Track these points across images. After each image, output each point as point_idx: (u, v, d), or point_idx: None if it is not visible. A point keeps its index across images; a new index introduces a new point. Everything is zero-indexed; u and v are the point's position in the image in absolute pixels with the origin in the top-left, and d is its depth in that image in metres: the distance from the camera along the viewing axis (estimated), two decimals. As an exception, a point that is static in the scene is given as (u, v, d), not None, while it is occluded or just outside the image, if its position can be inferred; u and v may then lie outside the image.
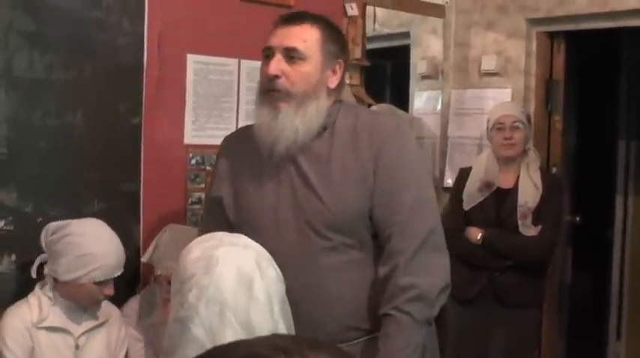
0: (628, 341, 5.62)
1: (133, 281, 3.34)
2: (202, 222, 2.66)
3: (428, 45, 4.82)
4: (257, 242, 2.21)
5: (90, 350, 2.89)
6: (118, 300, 3.12)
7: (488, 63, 4.56)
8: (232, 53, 3.74)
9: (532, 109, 4.46)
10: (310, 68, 2.34)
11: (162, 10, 3.43)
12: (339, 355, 0.69)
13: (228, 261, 1.57)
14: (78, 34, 3.19)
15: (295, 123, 2.32)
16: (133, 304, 3.19)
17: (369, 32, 4.36)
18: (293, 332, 1.62)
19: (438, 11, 4.59)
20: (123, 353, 3.02)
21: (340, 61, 2.40)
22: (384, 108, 4.62)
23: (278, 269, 1.66)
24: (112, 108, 3.31)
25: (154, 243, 3.23)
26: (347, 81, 4.13)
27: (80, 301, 2.83)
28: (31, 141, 3.09)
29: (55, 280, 2.83)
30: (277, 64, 2.32)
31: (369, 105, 4.33)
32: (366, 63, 4.25)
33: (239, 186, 2.48)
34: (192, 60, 3.60)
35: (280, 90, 2.33)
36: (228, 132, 3.65)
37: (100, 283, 2.79)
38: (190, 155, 3.62)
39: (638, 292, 5.58)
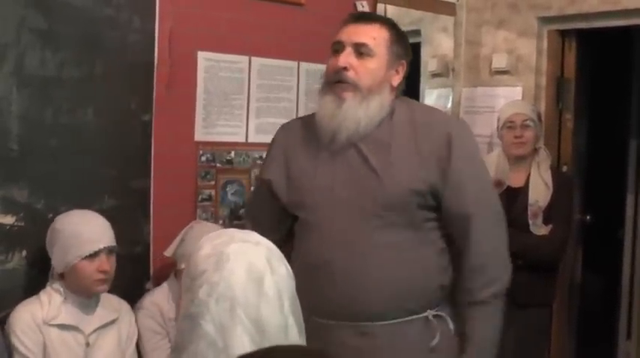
0: (638, 340, 5.62)
1: (142, 279, 3.36)
2: (247, 211, 2.79)
3: (439, 43, 4.82)
4: (311, 220, 2.45)
5: (100, 347, 2.90)
6: (128, 298, 3.14)
7: (499, 61, 4.56)
8: (243, 50, 3.75)
9: (543, 108, 4.46)
10: (377, 65, 2.47)
11: (173, 7, 3.44)
12: None
13: (239, 258, 1.56)
14: (89, 32, 3.19)
15: (358, 114, 2.44)
16: (154, 296, 3.19)
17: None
18: (303, 329, 1.62)
19: (449, 9, 4.59)
20: (132, 347, 3.03)
21: (404, 62, 2.54)
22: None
23: (289, 267, 1.65)
24: (122, 106, 3.32)
25: (179, 237, 3.26)
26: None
27: (83, 287, 2.84)
28: (43, 138, 3.09)
29: (61, 276, 2.86)
30: (347, 57, 2.44)
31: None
32: (376, 61, 4.25)
33: (292, 169, 2.58)
34: (203, 57, 3.60)
35: (348, 82, 2.44)
36: (239, 130, 3.71)
37: (91, 259, 2.81)
38: (201, 152, 3.62)
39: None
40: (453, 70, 4.70)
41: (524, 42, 4.50)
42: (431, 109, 2.79)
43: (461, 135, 2.52)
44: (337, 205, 2.45)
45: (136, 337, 3.07)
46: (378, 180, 2.43)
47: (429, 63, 4.92)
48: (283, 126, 2.79)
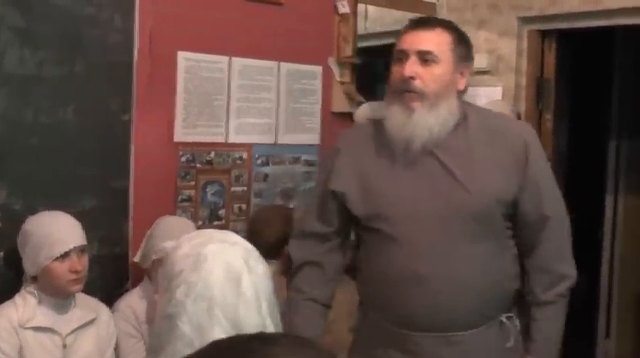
0: (617, 339, 5.66)
1: (122, 279, 3.35)
2: (309, 213, 2.70)
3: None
4: (393, 233, 2.43)
5: (78, 348, 2.88)
6: (108, 298, 3.14)
7: (480, 61, 4.56)
8: (223, 50, 3.74)
9: (523, 108, 4.48)
10: (443, 70, 2.45)
11: (154, 6, 3.43)
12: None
13: (217, 258, 1.55)
14: (69, 31, 3.18)
15: (429, 121, 2.44)
16: (128, 300, 3.18)
17: (361, 30, 4.37)
18: (280, 330, 1.63)
19: (430, 9, 4.60)
20: (110, 350, 3.01)
21: (468, 64, 2.53)
22: (375, 106, 4.61)
23: (267, 266, 1.64)
24: (102, 105, 3.31)
25: (146, 238, 3.23)
26: (337, 79, 4.20)
27: (57, 288, 2.83)
28: (22, 138, 3.08)
29: (34, 278, 2.84)
30: (412, 67, 2.42)
31: (360, 103, 4.34)
32: (357, 61, 4.26)
33: (368, 181, 2.54)
34: (183, 57, 3.59)
35: (415, 91, 2.43)
36: (219, 130, 3.71)
37: (63, 259, 2.80)
38: (181, 152, 3.61)
39: (627, 291, 5.62)
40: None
41: (504, 42, 4.52)
42: (499, 115, 2.81)
43: (534, 142, 2.55)
44: (423, 218, 2.44)
45: (115, 339, 3.05)
46: (465, 192, 2.43)
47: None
48: (345, 136, 2.79)
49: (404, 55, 2.46)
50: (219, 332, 1.47)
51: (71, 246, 2.83)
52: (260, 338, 0.77)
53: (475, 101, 4.36)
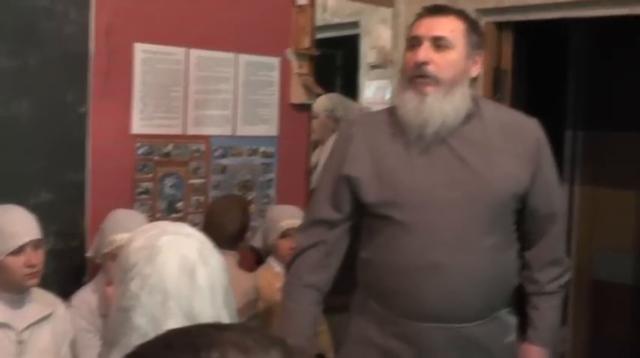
0: (573, 326, 5.74)
1: (79, 273, 3.33)
2: (318, 200, 2.68)
3: (378, 35, 4.84)
4: (408, 220, 2.42)
5: (34, 344, 2.87)
6: (65, 292, 3.12)
7: (438, 52, 4.61)
8: (180, 42, 3.73)
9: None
10: (456, 56, 2.46)
11: (110, -3, 3.42)
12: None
13: (172, 250, 1.56)
14: (24, 22, 3.16)
15: (444, 107, 2.43)
16: (82, 295, 3.17)
17: (319, 21, 4.38)
18: (235, 321, 1.63)
19: (388, 1, 4.61)
20: (66, 345, 3.00)
21: (480, 51, 2.54)
22: (333, 97, 4.63)
23: (221, 258, 1.64)
24: (58, 98, 3.29)
25: (98, 232, 3.22)
26: (296, 70, 4.20)
27: (13, 283, 2.81)
28: (-24, 131, 3.07)
29: None
30: (426, 52, 2.43)
31: (318, 95, 4.36)
32: (315, 52, 4.25)
33: (383, 167, 2.53)
34: (140, 49, 3.58)
35: (429, 76, 2.43)
36: (177, 122, 3.70)
37: (17, 254, 2.78)
38: (138, 145, 3.60)
39: (584, 279, 5.69)
40: (392, 61, 4.72)
41: (462, 34, 4.55)
42: (511, 109, 2.83)
43: (545, 139, 2.58)
44: (439, 206, 2.44)
45: (71, 334, 3.04)
46: (484, 183, 2.44)
47: (367, 54, 4.96)
48: (356, 122, 2.78)
49: (417, 41, 2.45)
50: (174, 324, 1.47)
51: (26, 240, 2.81)
52: (214, 325, 0.77)
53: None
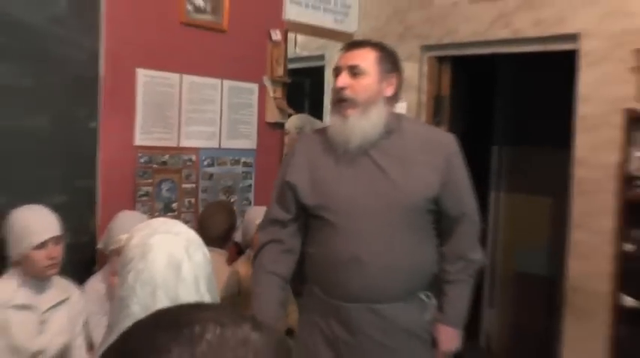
0: (499, 308, 5.79)
1: (90, 265, 3.30)
2: (277, 208, 2.68)
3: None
4: (335, 222, 2.44)
5: (53, 323, 2.84)
6: (78, 280, 3.08)
7: (389, 81, 4.62)
8: (175, 69, 3.72)
9: (423, 119, 4.53)
10: (370, 80, 2.47)
11: (116, 29, 3.39)
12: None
13: (161, 248, 1.54)
14: (43, 49, 3.13)
15: (363, 124, 2.45)
16: (92, 283, 3.13)
17: (291, 54, 4.38)
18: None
19: (348, 38, 4.61)
20: (80, 325, 2.97)
21: (394, 74, 2.52)
22: (302, 117, 4.62)
23: (207, 253, 1.62)
24: (72, 114, 3.26)
25: (107, 229, 3.21)
26: (271, 94, 4.19)
27: (36, 272, 2.79)
28: (2, 142, 3.02)
29: (17, 263, 2.80)
30: (344, 79, 2.46)
31: (290, 115, 4.35)
32: (287, 80, 4.27)
33: (317, 176, 2.55)
34: (142, 74, 3.56)
35: (347, 99, 2.45)
36: (172, 136, 3.68)
37: (41, 248, 2.77)
38: (139, 155, 3.58)
39: (507, 269, 5.75)
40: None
41: (409, 66, 4.55)
42: (429, 126, 2.86)
43: (457, 150, 2.58)
44: (362, 211, 2.45)
45: (84, 315, 3.00)
46: (398, 191, 2.45)
47: (331, 82, 4.93)
48: (303, 138, 2.79)
49: (338, 71, 2.49)
50: None
51: (48, 236, 2.80)
52: (195, 305, 0.79)
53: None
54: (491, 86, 5.76)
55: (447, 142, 2.60)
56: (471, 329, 5.67)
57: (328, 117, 2.68)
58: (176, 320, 0.72)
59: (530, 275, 5.59)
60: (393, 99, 2.54)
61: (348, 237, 2.46)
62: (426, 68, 4.58)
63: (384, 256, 2.45)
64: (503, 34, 4.13)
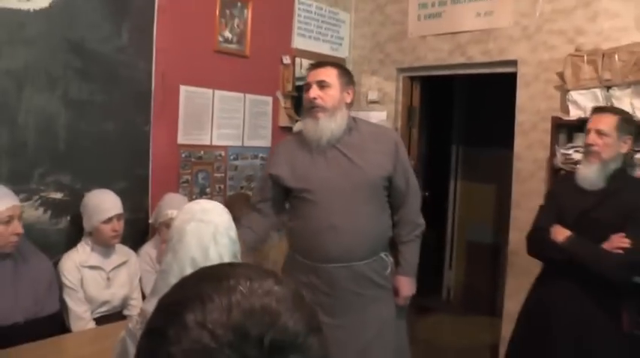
0: (455, 270, 5.84)
1: (143, 235, 3.32)
2: (258, 191, 2.71)
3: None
4: (314, 199, 2.42)
5: (116, 280, 2.88)
6: (134, 246, 3.12)
7: (372, 95, 4.63)
8: (209, 85, 3.71)
9: (399, 125, 4.54)
10: (334, 91, 2.49)
11: (164, 55, 3.40)
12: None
13: (194, 234, 1.51)
14: (111, 71, 3.15)
15: (331, 125, 2.47)
16: (146, 249, 3.15)
17: (298, 74, 4.39)
18: None
19: (342, 62, 4.66)
20: (137, 281, 3.00)
21: (351, 86, 2.55)
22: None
23: (233, 237, 1.56)
24: (131, 120, 3.28)
25: (157, 207, 3.22)
26: (282, 105, 4.21)
27: (104, 240, 2.81)
28: (80, 141, 3.04)
29: (89, 233, 2.84)
30: (314, 91, 2.49)
31: (297, 121, 4.35)
32: (295, 94, 4.25)
33: (296, 166, 2.55)
34: (183, 89, 3.56)
35: (318, 107, 2.48)
36: (206, 136, 3.69)
37: (107, 222, 2.79)
38: (182, 151, 3.58)
39: (461, 241, 5.79)
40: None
41: (388, 84, 4.58)
42: (375, 124, 2.82)
43: (400, 140, 2.62)
44: (334, 189, 2.45)
45: (139, 273, 3.03)
46: (361, 172, 2.46)
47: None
48: (283, 142, 2.76)
49: (309, 86, 2.52)
50: None
51: (113, 213, 2.82)
52: (229, 264, 0.78)
53: (370, 120, 4.48)
54: (451, 99, 5.79)
55: (392, 134, 2.64)
56: (435, 286, 5.77)
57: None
58: (216, 274, 0.70)
59: (477, 243, 5.61)
60: (351, 104, 2.57)
61: (325, 210, 2.45)
62: (401, 85, 4.57)
63: (354, 223, 2.44)
64: (460, 59, 4.15)
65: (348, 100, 2.55)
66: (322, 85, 2.48)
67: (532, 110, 3.77)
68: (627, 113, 2.69)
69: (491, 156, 5.28)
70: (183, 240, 1.50)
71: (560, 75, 3.58)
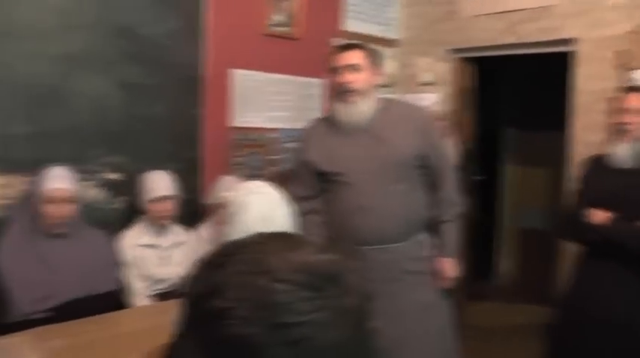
0: (508, 256, 5.74)
1: (194, 215, 3.34)
2: (299, 183, 2.66)
3: (387, 65, 4.82)
4: (347, 181, 2.43)
5: (173, 259, 2.94)
6: (189, 224, 3.16)
7: (426, 77, 4.59)
8: (260, 68, 3.73)
9: (452, 107, 4.49)
10: (365, 74, 2.49)
11: (215, 40, 3.44)
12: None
13: (254, 205, 1.53)
14: (161, 54, 3.20)
15: (362, 107, 2.48)
16: (202, 229, 3.18)
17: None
18: None
19: (393, 43, 4.62)
20: (193, 260, 3.00)
21: (379, 68, 2.56)
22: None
23: (289, 207, 1.59)
24: (180, 103, 3.32)
25: (213, 189, 3.24)
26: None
27: (153, 220, 2.88)
28: (135, 124, 3.11)
29: (144, 213, 2.90)
30: (346, 76, 2.48)
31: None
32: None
33: (327, 149, 2.56)
34: (235, 73, 3.59)
35: (351, 90, 2.47)
36: (258, 119, 3.70)
37: (156, 202, 2.86)
38: (233, 133, 3.61)
39: (514, 226, 5.71)
40: (396, 83, 4.71)
41: (440, 65, 4.54)
42: (408, 103, 2.80)
43: (430, 118, 2.63)
44: (365, 170, 2.46)
45: (196, 253, 3.02)
46: (391, 151, 2.46)
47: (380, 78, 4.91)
48: (309, 127, 2.74)
49: (339, 69, 2.50)
50: None
51: (160, 194, 2.88)
52: (274, 233, 0.83)
53: (422, 102, 4.44)
54: (501, 80, 5.67)
55: (421, 112, 2.62)
56: (487, 271, 5.71)
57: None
58: (280, 236, 0.78)
59: (532, 230, 5.53)
60: (380, 87, 2.56)
61: (355, 191, 2.46)
62: (454, 67, 4.50)
63: (383, 203, 2.44)
64: (510, 38, 4.06)
65: (379, 81, 2.56)
66: (354, 68, 2.48)
67: (588, 90, 3.65)
68: None
69: (544, 139, 5.18)
70: (243, 211, 1.52)
71: (620, 53, 3.45)
